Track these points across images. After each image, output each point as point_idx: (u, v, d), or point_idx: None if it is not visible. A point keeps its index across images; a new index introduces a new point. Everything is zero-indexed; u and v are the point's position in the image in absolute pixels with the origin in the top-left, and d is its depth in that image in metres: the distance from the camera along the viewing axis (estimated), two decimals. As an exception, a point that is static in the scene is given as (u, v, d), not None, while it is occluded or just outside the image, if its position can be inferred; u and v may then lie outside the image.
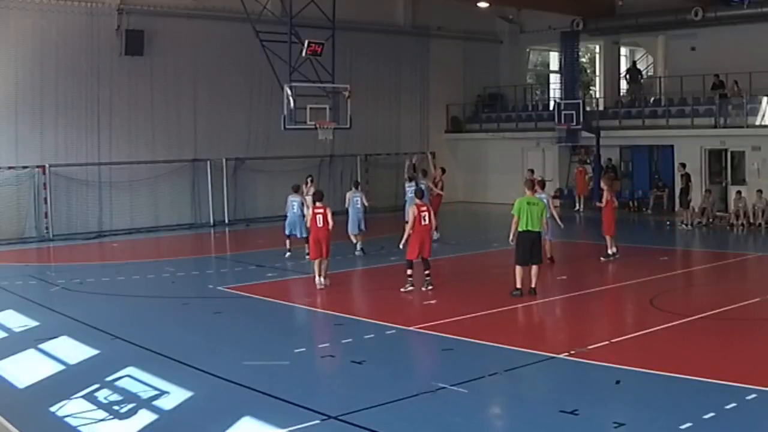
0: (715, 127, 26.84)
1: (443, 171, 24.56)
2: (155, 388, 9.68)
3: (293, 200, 19.43)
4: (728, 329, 12.41)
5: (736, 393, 8.85)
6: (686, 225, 24.54)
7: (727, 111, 26.83)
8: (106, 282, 17.18)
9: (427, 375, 9.92)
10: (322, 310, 14.54)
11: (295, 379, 10.03)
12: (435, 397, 9.12)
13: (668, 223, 25.84)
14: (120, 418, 8.78)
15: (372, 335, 12.29)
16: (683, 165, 25.74)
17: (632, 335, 11.87)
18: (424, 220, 15.16)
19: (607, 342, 11.28)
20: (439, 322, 12.71)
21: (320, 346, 11.68)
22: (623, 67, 36.19)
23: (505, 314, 13.62)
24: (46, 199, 24.22)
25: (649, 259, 19.00)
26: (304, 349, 11.39)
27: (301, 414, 8.64)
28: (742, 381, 9.20)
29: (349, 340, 12.03)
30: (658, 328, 12.24)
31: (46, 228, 24.23)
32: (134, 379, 10.11)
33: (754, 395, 8.80)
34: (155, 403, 9.25)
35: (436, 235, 19.15)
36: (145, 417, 8.80)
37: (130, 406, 9.11)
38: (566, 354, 10.67)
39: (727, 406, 8.46)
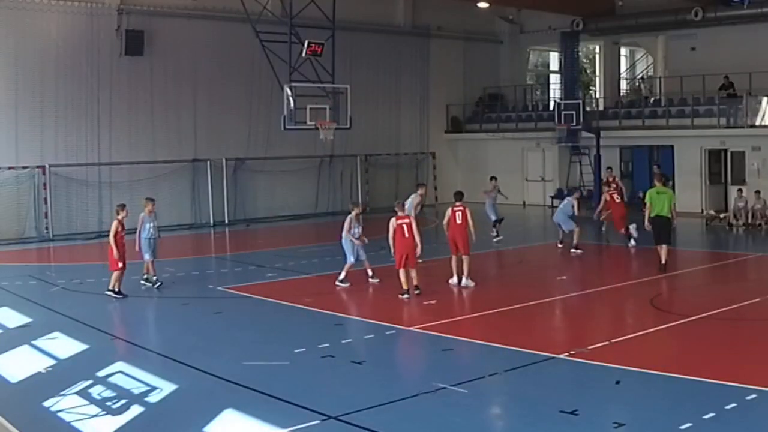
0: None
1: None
2: (155, 388, 9.68)
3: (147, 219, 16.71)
4: (728, 329, 12.40)
5: (736, 393, 8.84)
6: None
7: (729, 111, 26.82)
8: (106, 282, 17.12)
9: (427, 375, 9.91)
10: (322, 310, 14.53)
11: (295, 379, 10.03)
12: (435, 397, 9.12)
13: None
14: (115, 415, 8.78)
15: (372, 335, 12.29)
16: (658, 166, 25.67)
17: (632, 335, 11.86)
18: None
19: (607, 342, 11.27)
20: (439, 322, 12.71)
21: (320, 346, 11.68)
22: (623, 67, 36.27)
23: (505, 314, 13.62)
24: (46, 199, 24.24)
25: (649, 259, 18.98)
26: (304, 349, 11.38)
27: (301, 414, 8.64)
28: (742, 381, 9.19)
29: (349, 340, 12.03)
30: (658, 328, 12.25)
31: (46, 228, 24.25)
32: (134, 378, 10.11)
33: (754, 395, 8.80)
34: (155, 402, 9.25)
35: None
36: (144, 416, 8.80)
37: (129, 405, 9.10)
38: (566, 354, 10.66)
39: (727, 406, 8.45)
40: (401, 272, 14.63)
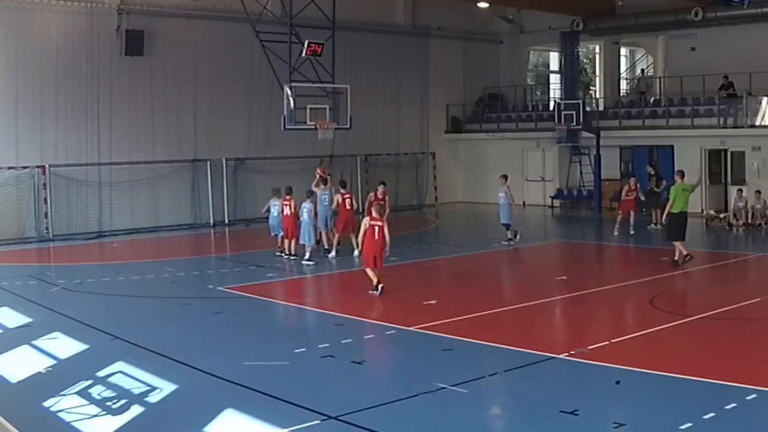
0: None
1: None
2: (155, 388, 9.68)
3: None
4: (728, 329, 12.40)
5: (736, 393, 8.84)
6: (655, 225, 23.86)
7: (729, 111, 26.82)
8: (106, 282, 17.17)
9: (427, 375, 9.90)
10: (322, 310, 14.54)
11: (295, 379, 10.02)
12: (435, 397, 9.11)
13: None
14: (115, 415, 8.78)
15: (372, 335, 12.29)
16: (651, 165, 25.62)
17: (632, 335, 11.86)
18: None
19: (607, 342, 11.27)
20: (439, 322, 12.70)
21: (320, 346, 11.68)
22: (623, 67, 36.28)
23: (505, 314, 13.63)
24: (46, 199, 24.23)
25: (649, 259, 19.00)
26: (304, 349, 11.38)
27: (301, 414, 8.64)
28: (742, 381, 9.19)
29: (349, 340, 12.02)
30: (658, 328, 12.24)
31: (46, 228, 24.24)
32: (133, 378, 10.10)
33: (754, 395, 8.79)
34: (154, 402, 9.25)
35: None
36: (144, 416, 8.79)
37: (129, 405, 9.09)
38: (566, 354, 10.66)
39: (727, 406, 8.45)
40: (369, 270, 15.00)
